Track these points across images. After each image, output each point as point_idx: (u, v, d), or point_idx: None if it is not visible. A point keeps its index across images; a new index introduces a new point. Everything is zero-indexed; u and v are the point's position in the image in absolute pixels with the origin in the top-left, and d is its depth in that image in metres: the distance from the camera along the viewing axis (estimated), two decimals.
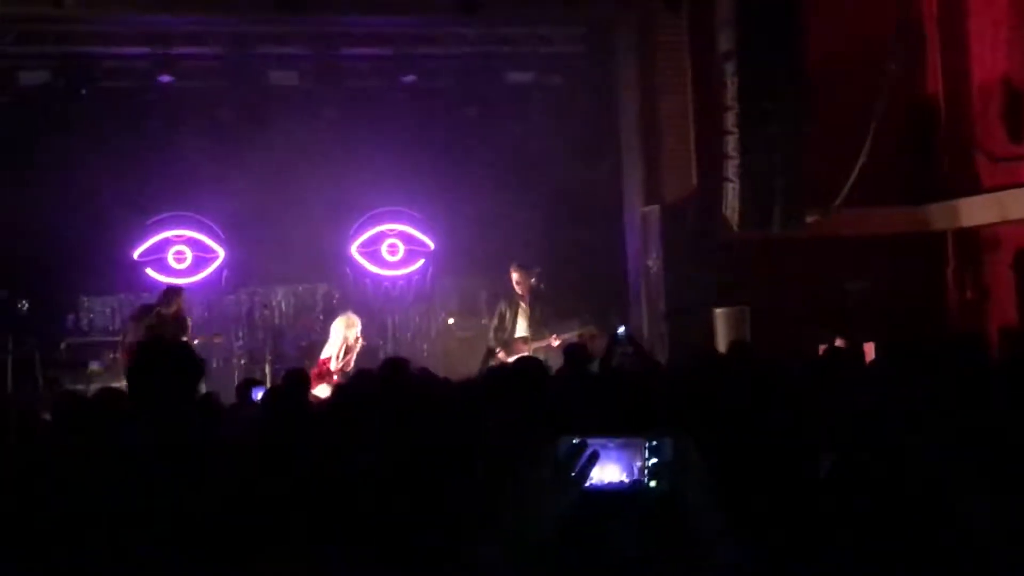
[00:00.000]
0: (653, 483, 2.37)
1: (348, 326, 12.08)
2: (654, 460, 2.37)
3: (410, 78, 15.38)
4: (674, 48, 14.06)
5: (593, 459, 2.35)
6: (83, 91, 14.54)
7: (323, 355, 12.81)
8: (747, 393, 5.89)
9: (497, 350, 13.34)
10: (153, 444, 3.60)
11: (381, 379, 6.96)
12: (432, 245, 16.17)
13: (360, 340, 12.83)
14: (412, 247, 16.28)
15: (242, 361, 14.98)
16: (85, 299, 15.08)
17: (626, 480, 2.37)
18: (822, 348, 10.01)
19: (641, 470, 2.37)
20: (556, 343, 13.01)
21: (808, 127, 13.28)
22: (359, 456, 4.16)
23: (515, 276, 13.67)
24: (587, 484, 2.35)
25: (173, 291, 13.46)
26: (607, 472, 2.37)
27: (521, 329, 13.61)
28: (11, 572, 3.28)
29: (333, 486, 3.80)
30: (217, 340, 14.31)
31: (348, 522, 3.54)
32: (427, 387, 6.95)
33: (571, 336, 12.91)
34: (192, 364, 4.01)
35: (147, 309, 13.34)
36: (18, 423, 5.01)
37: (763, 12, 13.15)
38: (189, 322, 13.44)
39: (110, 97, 14.77)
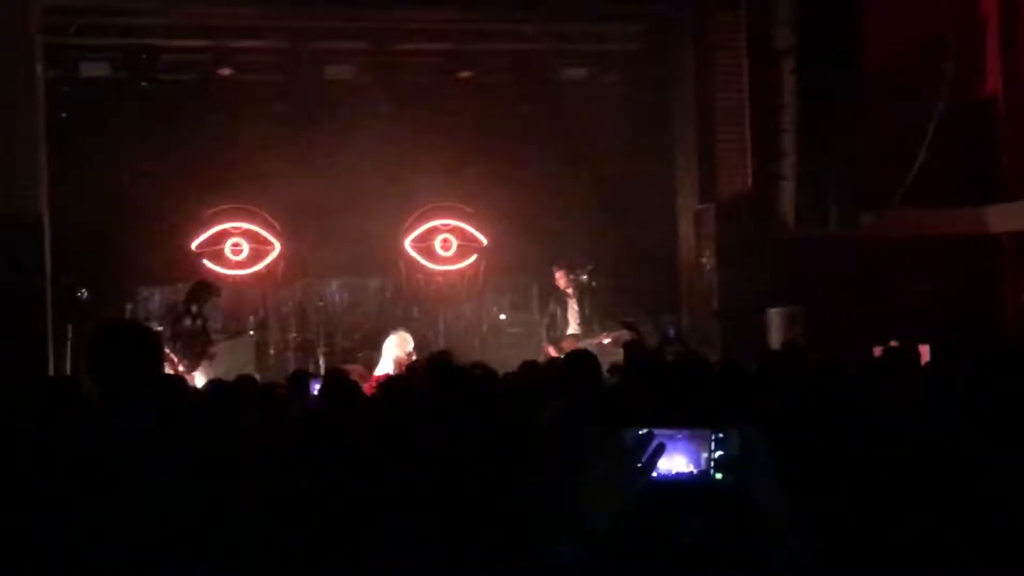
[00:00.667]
0: (719, 475, 2.38)
1: (401, 344, 12.14)
2: (720, 452, 2.39)
3: (466, 74, 15.42)
4: (730, 46, 13.99)
5: (660, 450, 2.37)
6: (143, 83, 14.69)
7: (377, 372, 12.86)
8: (801, 393, 5.90)
9: (548, 346, 13.39)
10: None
11: (429, 372, 7.00)
12: (485, 241, 16.20)
13: (413, 356, 12.86)
14: (465, 242, 16.31)
15: (296, 353, 15.08)
16: (143, 289, 15.25)
17: (693, 471, 2.39)
18: (877, 349, 9.96)
19: (707, 462, 2.39)
20: (607, 341, 13.03)
21: (866, 127, 13.21)
22: (419, 450, 4.20)
23: (557, 275, 13.77)
24: (654, 475, 2.37)
25: (204, 288, 13.55)
26: (674, 463, 2.39)
27: (572, 327, 13.66)
28: None
29: (394, 480, 3.84)
30: (250, 334, 14.43)
31: (411, 517, 3.57)
32: (480, 381, 6.98)
33: (622, 334, 12.92)
34: (151, 345, 4.00)
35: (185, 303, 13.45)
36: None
37: (821, 10, 13.11)
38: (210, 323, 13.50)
39: (169, 90, 14.91)
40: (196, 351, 12.80)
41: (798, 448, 4.33)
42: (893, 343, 10.48)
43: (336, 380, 7.42)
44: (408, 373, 9.46)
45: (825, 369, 7.12)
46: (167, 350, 11.83)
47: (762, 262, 13.57)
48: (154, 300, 15.26)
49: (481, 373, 7.21)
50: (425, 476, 4.20)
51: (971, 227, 14.63)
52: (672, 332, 12.71)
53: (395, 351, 11.77)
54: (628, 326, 12.95)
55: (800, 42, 13.05)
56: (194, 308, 13.14)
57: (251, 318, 15.58)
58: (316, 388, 8.29)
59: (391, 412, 5.72)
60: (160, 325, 12.79)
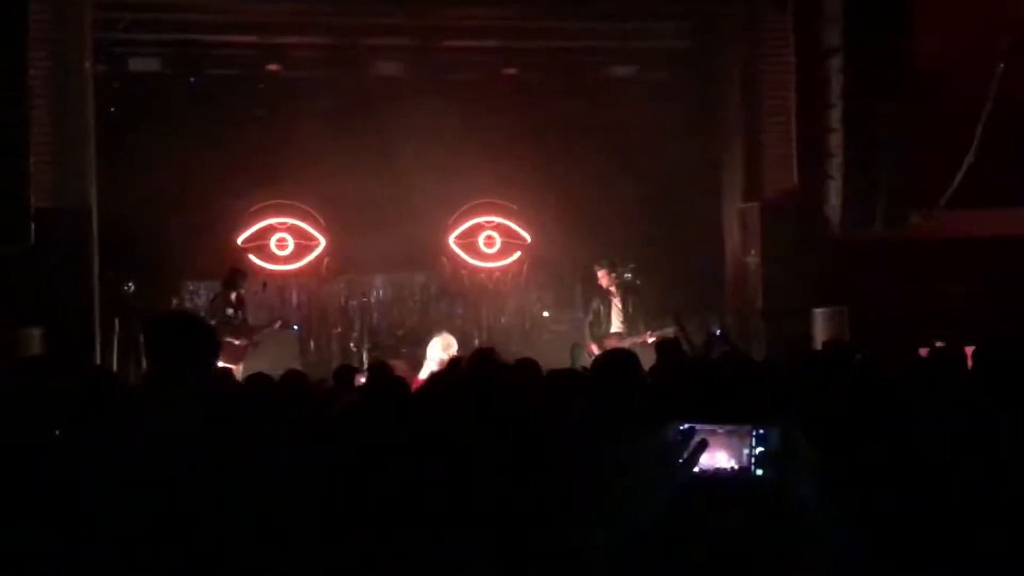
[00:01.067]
0: (760, 471, 2.38)
1: (445, 348, 12.15)
2: (761, 448, 2.38)
3: (512, 71, 15.42)
4: (778, 44, 13.93)
5: (702, 446, 2.36)
6: (191, 79, 14.79)
7: (421, 375, 12.85)
8: (846, 392, 5.86)
9: (591, 344, 13.37)
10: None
11: (470, 369, 7.01)
12: (529, 238, 16.21)
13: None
14: (509, 239, 16.34)
15: (339, 349, 15.14)
16: (189, 283, 15.37)
17: (734, 467, 2.39)
18: (924, 350, 9.88)
19: (748, 458, 2.38)
20: (651, 340, 12.99)
21: (914, 126, 13.10)
22: (459, 445, 4.20)
23: (599, 274, 13.74)
24: (694, 470, 2.37)
25: (239, 273, 13.67)
26: (715, 459, 2.39)
27: (615, 325, 13.64)
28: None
29: (435, 474, 3.84)
30: (295, 328, 14.49)
31: (453, 511, 3.57)
32: (521, 377, 6.99)
33: (665, 332, 12.89)
34: (208, 338, 4.02)
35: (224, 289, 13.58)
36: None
37: (870, 9, 13.01)
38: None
39: (218, 85, 15.01)
40: (238, 344, 12.90)
41: (842, 447, 4.30)
42: (939, 344, 10.41)
43: (381, 374, 7.46)
44: (450, 369, 9.47)
45: (870, 369, 7.08)
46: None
47: (808, 261, 13.49)
48: (200, 295, 15.35)
49: (524, 369, 7.24)
50: (463, 473, 4.20)
51: (1020, 228, 14.46)
52: (718, 331, 12.65)
53: (439, 354, 11.78)
54: (677, 320, 12.91)
55: (848, 41, 12.96)
56: (233, 296, 13.24)
57: (295, 313, 15.65)
58: (361, 383, 8.34)
59: (431, 407, 5.72)
60: (206, 317, 12.90)
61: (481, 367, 6.77)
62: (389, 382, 7.24)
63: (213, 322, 12.59)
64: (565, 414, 4.89)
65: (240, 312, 13.19)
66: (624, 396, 5.02)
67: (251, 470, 3.64)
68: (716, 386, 4.41)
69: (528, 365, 7.45)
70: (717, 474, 2.39)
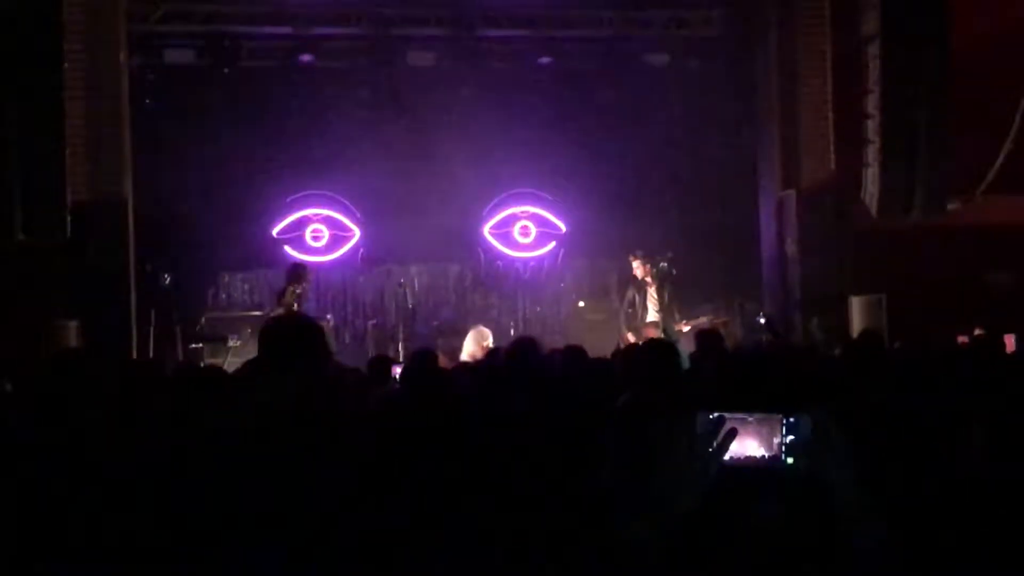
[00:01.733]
0: (790, 459, 2.36)
1: (479, 340, 12.12)
2: (791, 437, 2.37)
3: (546, 60, 15.38)
4: (814, 30, 13.82)
5: (732, 435, 2.35)
6: (226, 70, 14.82)
7: None
8: (884, 381, 5.80)
9: (627, 333, 13.34)
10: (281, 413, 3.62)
11: (509, 357, 6.99)
12: (564, 228, 16.17)
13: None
14: (544, 229, 16.30)
15: (374, 339, 15.15)
16: (225, 275, 15.42)
17: (764, 456, 2.37)
18: (962, 338, 9.81)
19: (779, 446, 2.37)
20: (686, 328, 12.96)
21: (952, 112, 12.97)
22: (496, 433, 4.19)
23: (634, 264, 13.70)
24: (725, 459, 2.35)
25: (305, 269, 13.67)
26: (745, 447, 2.37)
27: (651, 314, 13.61)
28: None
29: (472, 461, 3.83)
30: (327, 319, 14.48)
31: (487, 498, 3.56)
32: (558, 366, 6.96)
33: (701, 322, 12.86)
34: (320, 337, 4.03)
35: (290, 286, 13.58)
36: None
37: None
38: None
39: (252, 76, 15.03)
40: None
41: (879, 437, 4.25)
42: (978, 332, 10.32)
43: (422, 360, 7.43)
44: (488, 358, 9.44)
45: (908, 357, 7.01)
46: None
47: (845, 249, 13.41)
48: (235, 286, 15.40)
49: (572, 357, 7.19)
50: (504, 459, 4.19)
51: None
52: (763, 320, 12.60)
53: (472, 347, 11.77)
54: (720, 319, 12.88)
55: (886, 26, 12.84)
56: (298, 290, 13.28)
57: (329, 304, 15.67)
58: (397, 373, 8.32)
59: (467, 396, 5.71)
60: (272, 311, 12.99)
61: (523, 356, 6.76)
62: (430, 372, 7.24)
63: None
64: (612, 404, 4.85)
65: (299, 307, 13.22)
66: (663, 386, 4.99)
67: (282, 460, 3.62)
68: (757, 376, 4.35)
69: (576, 352, 7.41)
70: (748, 463, 2.37)
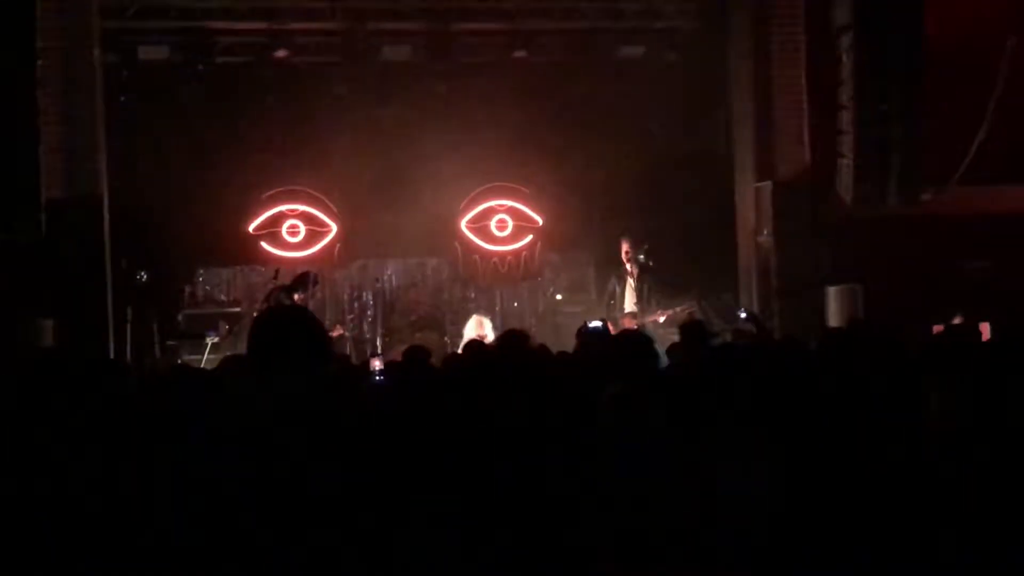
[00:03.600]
0: None
1: (478, 327, 12.11)
2: None
3: (521, 53, 15.37)
4: (788, 22, 13.87)
5: None
6: (200, 66, 14.76)
7: None
8: (869, 371, 5.83)
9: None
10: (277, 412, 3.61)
11: (499, 351, 7.00)
12: (540, 221, 16.16)
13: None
14: (521, 223, 16.29)
15: (352, 334, 15.12)
16: (202, 271, 15.36)
17: None
18: (937, 328, 9.87)
19: None
20: (662, 319, 13.01)
21: (925, 102, 13.05)
22: (485, 427, 4.19)
23: (624, 246, 13.71)
24: None
25: (309, 278, 13.64)
26: None
27: (629, 304, 13.66)
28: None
29: (458, 456, 3.83)
30: (336, 333, 14.38)
31: (472, 493, 3.57)
32: (544, 361, 6.98)
33: (678, 312, 12.90)
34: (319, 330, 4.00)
35: (287, 290, 13.50)
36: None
37: None
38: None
39: (227, 72, 14.97)
40: None
41: (855, 425, 4.29)
42: (954, 321, 10.39)
43: (412, 357, 7.44)
44: (475, 352, 9.43)
45: (885, 346, 7.04)
46: None
47: (821, 240, 13.48)
48: (212, 282, 15.33)
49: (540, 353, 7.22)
50: (489, 455, 4.19)
51: None
52: (743, 313, 12.63)
53: (472, 334, 11.77)
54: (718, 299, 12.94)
55: (859, 17, 12.91)
56: (297, 296, 13.24)
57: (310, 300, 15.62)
58: (377, 366, 8.33)
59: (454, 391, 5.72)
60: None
61: (513, 349, 6.77)
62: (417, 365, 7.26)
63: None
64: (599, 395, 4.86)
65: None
66: (639, 378, 5.00)
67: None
68: (733, 372, 4.39)
69: (544, 349, 7.47)
70: None
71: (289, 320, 3.72)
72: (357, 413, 4.38)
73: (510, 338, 6.83)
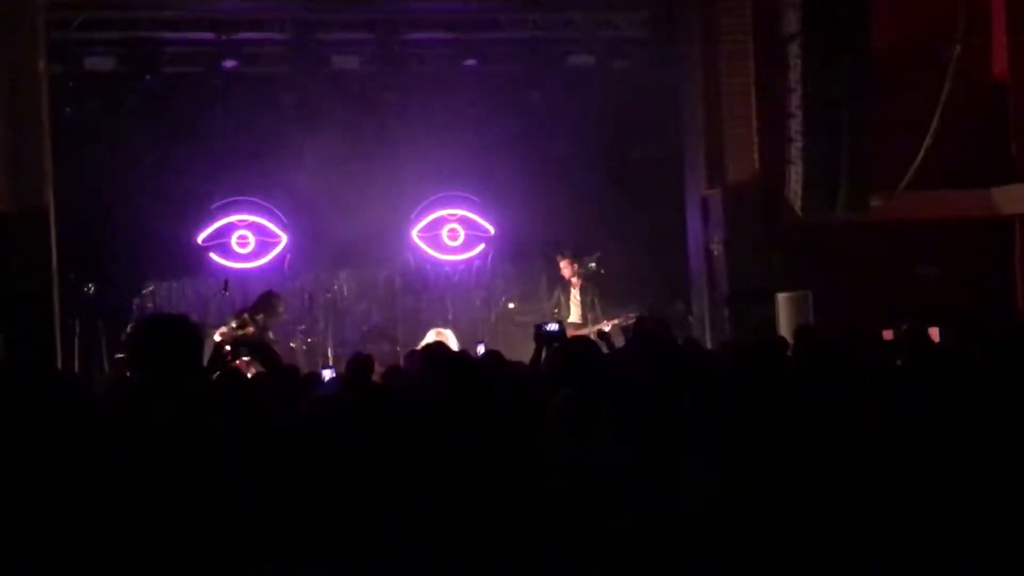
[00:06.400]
0: None
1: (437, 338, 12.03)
2: None
3: (471, 62, 15.37)
4: (737, 31, 13.93)
5: None
6: (147, 76, 14.65)
7: None
8: (815, 377, 5.87)
9: None
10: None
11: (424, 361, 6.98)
12: (492, 230, 16.15)
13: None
14: (472, 232, 16.27)
15: (304, 346, 15.02)
16: (150, 283, 15.19)
17: None
18: (888, 332, 9.93)
19: None
20: (607, 328, 13.02)
21: (873, 110, 13.15)
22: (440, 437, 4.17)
23: (561, 264, 13.85)
24: None
25: (278, 303, 13.52)
26: None
27: (574, 315, 13.74)
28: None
29: (412, 467, 3.80)
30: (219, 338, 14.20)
31: (428, 501, 3.54)
32: (495, 371, 6.96)
33: (622, 321, 12.92)
34: (192, 339, 3.96)
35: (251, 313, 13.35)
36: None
37: None
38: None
39: (175, 83, 14.88)
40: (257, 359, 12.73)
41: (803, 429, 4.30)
42: (904, 326, 10.46)
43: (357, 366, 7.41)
44: (406, 362, 9.42)
45: (835, 352, 7.08)
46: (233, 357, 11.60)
47: (771, 247, 13.53)
48: (160, 295, 15.15)
49: (487, 361, 7.21)
50: (434, 463, 4.17)
51: (980, 209, 14.58)
52: (633, 317, 12.44)
53: None
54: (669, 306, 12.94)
55: (807, 25, 12.98)
56: (259, 318, 13.12)
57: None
58: (328, 376, 8.29)
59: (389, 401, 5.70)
60: (219, 332, 12.83)
61: (434, 359, 6.75)
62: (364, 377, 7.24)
63: (224, 334, 12.54)
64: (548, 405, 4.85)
65: (256, 333, 12.94)
66: (582, 386, 4.98)
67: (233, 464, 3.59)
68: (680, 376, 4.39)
69: (496, 356, 7.46)
70: None
71: (158, 335, 3.69)
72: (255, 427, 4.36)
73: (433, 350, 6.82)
